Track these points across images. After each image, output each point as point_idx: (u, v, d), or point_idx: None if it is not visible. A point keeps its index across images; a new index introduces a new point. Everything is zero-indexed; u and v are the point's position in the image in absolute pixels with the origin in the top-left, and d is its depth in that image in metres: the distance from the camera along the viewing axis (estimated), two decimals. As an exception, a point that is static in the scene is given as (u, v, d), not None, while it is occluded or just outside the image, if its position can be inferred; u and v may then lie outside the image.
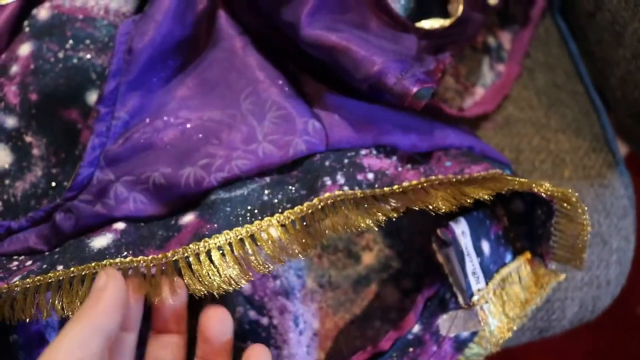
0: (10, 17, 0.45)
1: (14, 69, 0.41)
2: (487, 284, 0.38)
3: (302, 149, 0.36)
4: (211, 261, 0.32)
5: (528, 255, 0.42)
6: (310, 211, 0.33)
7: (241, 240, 0.32)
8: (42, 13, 0.42)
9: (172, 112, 0.38)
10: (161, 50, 0.39)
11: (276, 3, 0.38)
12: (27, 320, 0.32)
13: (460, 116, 0.47)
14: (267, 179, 0.36)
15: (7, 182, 0.39)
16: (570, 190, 0.37)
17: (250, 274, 0.32)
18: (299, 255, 0.32)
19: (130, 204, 0.36)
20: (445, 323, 0.37)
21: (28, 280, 0.31)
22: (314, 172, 0.35)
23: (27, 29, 0.43)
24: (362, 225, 0.33)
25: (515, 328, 0.39)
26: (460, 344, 0.40)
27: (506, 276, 0.40)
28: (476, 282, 0.37)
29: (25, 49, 0.41)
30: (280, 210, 0.33)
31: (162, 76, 0.40)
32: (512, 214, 0.42)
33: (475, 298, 0.37)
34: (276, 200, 0.34)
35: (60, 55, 0.41)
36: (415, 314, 0.39)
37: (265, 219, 0.33)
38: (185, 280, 0.32)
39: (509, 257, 0.41)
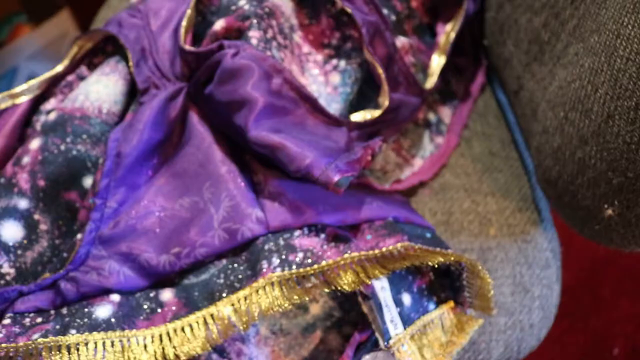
0: (23, 112, 0.55)
1: (25, 159, 0.51)
2: (405, 329, 0.46)
3: (247, 236, 0.46)
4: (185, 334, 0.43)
5: (451, 304, 0.50)
6: (250, 293, 0.43)
7: (205, 319, 0.43)
8: (51, 115, 0.52)
9: (151, 198, 0.49)
10: (143, 153, 0.49)
11: (230, 111, 0.48)
12: None
13: (394, 190, 0.56)
14: (224, 262, 0.46)
15: (19, 252, 0.49)
16: (463, 256, 0.45)
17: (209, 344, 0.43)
18: (242, 330, 0.43)
19: (121, 277, 0.46)
20: (367, 362, 0.46)
21: (48, 339, 0.41)
22: (256, 254, 0.45)
23: (37, 126, 0.53)
24: (285, 306, 0.42)
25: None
26: (391, 381, 0.48)
27: (428, 322, 0.48)
28: (394, 328, 0.45)
29: (35, 144, 0.51)
30: (232, 291, 0.44)
31: (144, 171, 0.50)
32: (436, 268, 0.51)
33: (391, 341, 0.45)
34: (229, 282, 0.45)
35: (62, 147, 0.51)
36: (347, 354, 0.47)
37: (222, 300, 0.44)
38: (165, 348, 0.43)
39: (432, 306, 0.49)
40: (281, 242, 0.45)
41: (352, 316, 0.50)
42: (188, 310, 0.44)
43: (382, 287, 0.46)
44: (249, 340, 0.48)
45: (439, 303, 0.50)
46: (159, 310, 0.45)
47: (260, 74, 0.48)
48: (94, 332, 0.42)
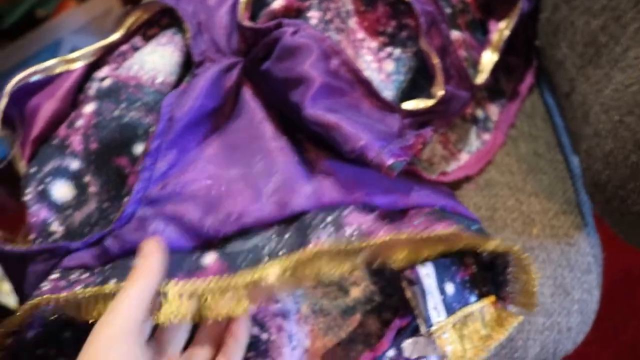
0: (77, 78, 0.56)
1: (79, 122, 0.52)
2: (447, 317, 0.46)
3: (297, 209, 0.45)
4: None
5: (492, 298, 0.50)
6: (299, 260, 0.42)
7: (248, 282, 0.42)
8: (105, 82, 0.53)
9: (200, 165, 0.48)
10: (195, 119, 0.49)
11: (286, 88, 0.48)
12: (90, 321, 0.41)
13: (440, 181, 0.56)
14: (270, 231, 0.46)
15: (68, 212, 0.49)
16: (516, 247, 0.45)
17: (253, 305, 0.42)
18: (287, 293, 0.42)
19: (165, 236, 0.46)
20: (409, 346, 0.46)
21: (88, 289, 0.41)
22: (305, 227, 0.44)
23: (90, 92, 0.54)
24: (334, 273, 0.42)
25: (470, 357, 0.47)
26: (428, 370, 0.48)
27: (469, 314, 0.48)
28: (437, 316, 0.45)
29: (89, 108, 0.52)
30: (278, 258, 0.43)
31: (195, 138, 0.50)
32: (480, 262, 0.50)
33: (433, 328, 0.45)
34: (275, 251, 0.44)
35: (116, 113, 0.51)
36: (388, 339, 0.47)
37: (267, 264, 0.43)
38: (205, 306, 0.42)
39: (473, 298, 0.49)
40: (331, 218, 0.45)
41: (392, 302, 0.50)
42: (231, 273, 0.43)
43: (427, 273, 0.45)
44: (290, 317, 0.48)
45: (480, 296, 0.50)
46: (201, 270, 0.44)
47: (319, 53, 0.48)
48: None
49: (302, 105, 0.47)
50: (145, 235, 0.45)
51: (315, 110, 0.46)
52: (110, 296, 0.41)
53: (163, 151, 0.48)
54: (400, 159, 0.44)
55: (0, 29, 1.17)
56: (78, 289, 0.41)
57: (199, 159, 0.49)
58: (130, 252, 0.45)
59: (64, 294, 0.41)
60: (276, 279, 0.42)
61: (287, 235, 0.45)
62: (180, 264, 0.44)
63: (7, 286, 1.10)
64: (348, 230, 0.44)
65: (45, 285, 0.44)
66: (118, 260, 0.45)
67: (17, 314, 0.42)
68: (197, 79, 0.51)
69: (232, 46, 0.54)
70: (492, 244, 0.44)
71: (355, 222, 0.44)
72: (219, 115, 0.51)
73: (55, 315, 0.42)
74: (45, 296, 0.42)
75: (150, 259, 0.41)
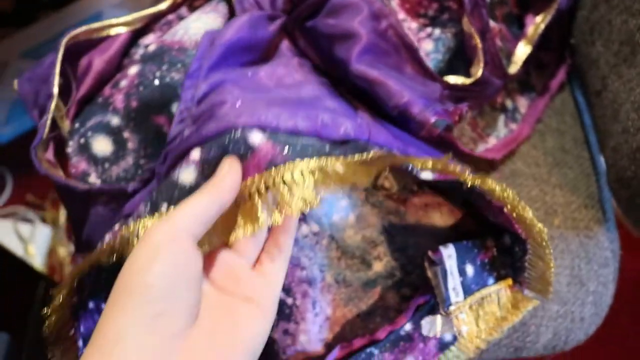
0: (124, 43, 0.58)
1: (123, 83, 0.53)
2: (465, 299, 0.47)
3: (350, 132, 0.43)
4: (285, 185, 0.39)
5: (509, 281, 0.51)
6: (365, 158, 0.40)
7: (311, 171, 0.39)
8: (151, 47, 0.54)
9: (247, 83, 0.47)
10: (236, 47, 0.49)
11: (332, 43, 0.49)
12: None
13: (470, 154, 0.57)
14: (323, 142, 0.42)
15: (106, 165, 0.51)
16: (544, 232, 0.45)
17: (320, 196, 0.39)
18: (359, 184, 0.41)
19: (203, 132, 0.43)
20: (426, 324, 0.47)
21: (139, 222, 0.40)
22: (359, 149, 0.42)
23: (135, 56, 0.55)
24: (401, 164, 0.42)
25: (484, 337, 0.48)
26: (443, 345, 0.50)
27: (486, 295, 0.49)
28: (455, 296, 0.47)
29: (133, 70, 0.53)
30: (342, 156, 0.41)
31: (237, 64, 0.50)
32: (500, 246, 0.52)
33: (452, 308, 0.46)
34: (335, 153, 0.41)
35: (158, 74, 0.52)
36: (407, 314, 0.48)
37: (331, 157, 0.40)
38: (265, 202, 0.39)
39: (491, 281, 0.50)
40: (384, 150, 0.43)
41: (412, 279, 0.52)
42: (286, 158, 0.39)
43: (449, 255, 0.47)
44: (316, 284, 0.49)
45: (498, 279, 0.51)
46: (250, 155, 0.40)
47: (369, 13, 0.49)
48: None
49: (348, 61, 0.48)
50: (186, 147, 0.43)
51: (361, 66, 0.47)
52: None
53: (204, 74, 0.47)
54: (443, 117, 0.46)
55: (43, 1, 1.20)
56: (130, 223, 0.41)
57: (243, 80, 0.47)
58: (173, 168, 0.43)
59: (118, 236, 0.40)
60: (345, 169, 0.40)
61: (343, 149, 0.42)
62: (225, 155, 0.41)
63: (33, 249, 1.14)
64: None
65: (107, 237, 0.44)
66: (163, 182, 0.43)
67: (74, 269, 0.41)
68: (241, 15, 0.51)
69: (276, 9, 0.55)
70: (528, 216, 0.44)
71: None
72: (259, 52, 0.51)
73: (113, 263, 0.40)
74: (104, 246, 0.40)
75: (224, 177, 0.38)
